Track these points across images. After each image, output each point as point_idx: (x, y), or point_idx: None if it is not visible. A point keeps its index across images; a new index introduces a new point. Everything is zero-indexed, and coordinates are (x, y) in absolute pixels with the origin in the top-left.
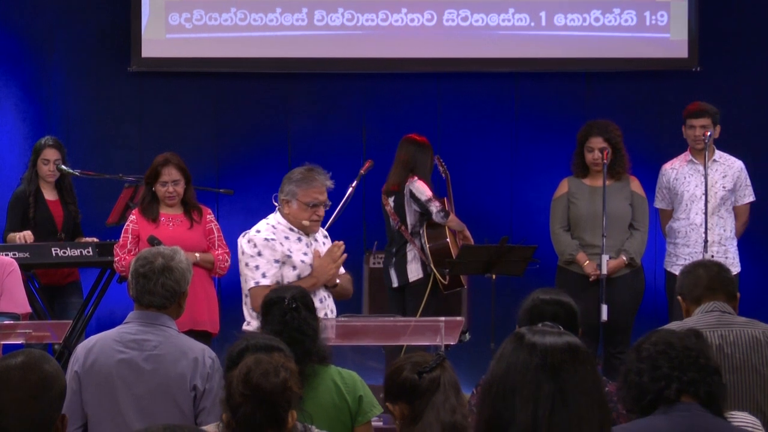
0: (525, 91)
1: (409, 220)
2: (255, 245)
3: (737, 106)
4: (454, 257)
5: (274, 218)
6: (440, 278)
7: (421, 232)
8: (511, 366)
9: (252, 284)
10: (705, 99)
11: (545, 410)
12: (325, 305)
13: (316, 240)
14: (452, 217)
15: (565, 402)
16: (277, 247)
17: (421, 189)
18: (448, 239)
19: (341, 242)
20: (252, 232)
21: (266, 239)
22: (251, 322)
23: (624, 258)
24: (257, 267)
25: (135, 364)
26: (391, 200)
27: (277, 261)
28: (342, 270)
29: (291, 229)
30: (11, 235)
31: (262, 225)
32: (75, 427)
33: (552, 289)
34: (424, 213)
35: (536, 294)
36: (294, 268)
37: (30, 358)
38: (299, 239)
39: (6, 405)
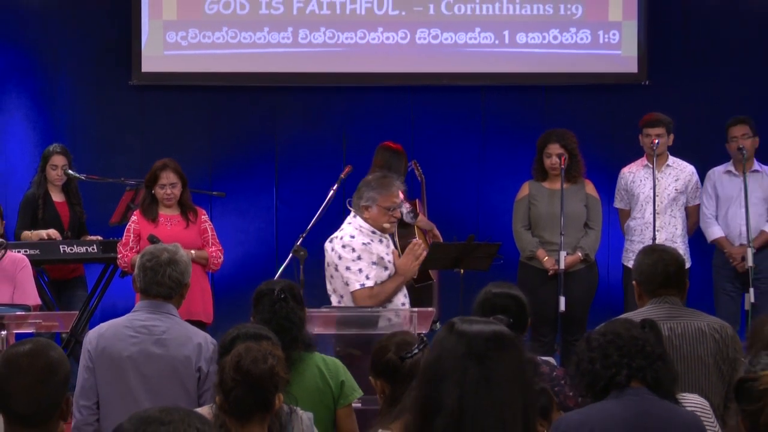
0: (490, 103)
1: None
2: (353, 249)
3: (684, 116)
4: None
5: (357, 223)
6: None
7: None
8: (441, 353)
9: (357, 287)
10: (653, 110)
11: (470, 395)
12: (407, 302)
13: (388, 238)
14: (421, 217)
15: (489, 387)
16: (373, 250)
17: None
18: (417, 237)
19: (420, 240)
20: (345, 237)
21: (364, 243)
22: None
23: (579, 254)
24: (360, 270)
25: (145, 347)
26: None
27: (374, 263)
28: None
29: (373, 232)
30: (25, 233)
31: (350, 230)
32: (92, 402)
33: (504, 283)
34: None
35: (488, 288)
36: (386, 268)
37: (37, 346)
38: (381, 241)
39: (15, 389)
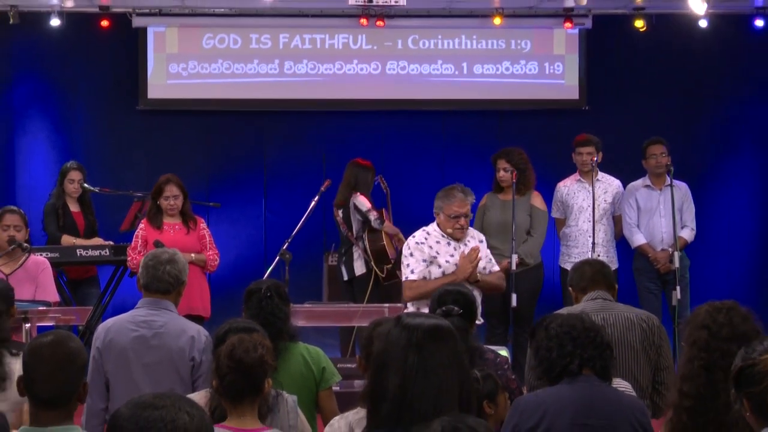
0: (451, 126)
1: (354, 227)
2: (408, 247)
3: (617, 136)
4: (389, 256)
5: (432, 226)
6: (379, 272)
7: (363, 236)
8: (387, 344)
9: (403, 278)
10: (592, 132)
11: (410, 381)
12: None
13: (466, 244)
14: (387, 223)
15: (426, 374)
16: (425, 249)
17: (362, 202)
18: (384, 242)
19: (477, 247)
20: (410, 238)
21: (417, 243)
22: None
23: (516, 258)
24: (408, 265)
25: (145, 339)
26: (340, 212)
27: (424, 260)
28: (495, 268)
29: (442, 236)
30: (65, 237)
31: (419, 231)
32: (101, 387)
33: (455, 282)
34: (365, 221)
35: (444, 286)
36: (439, 266)
37: (58, 337)
38: (448, 243)
39: (38, 375)
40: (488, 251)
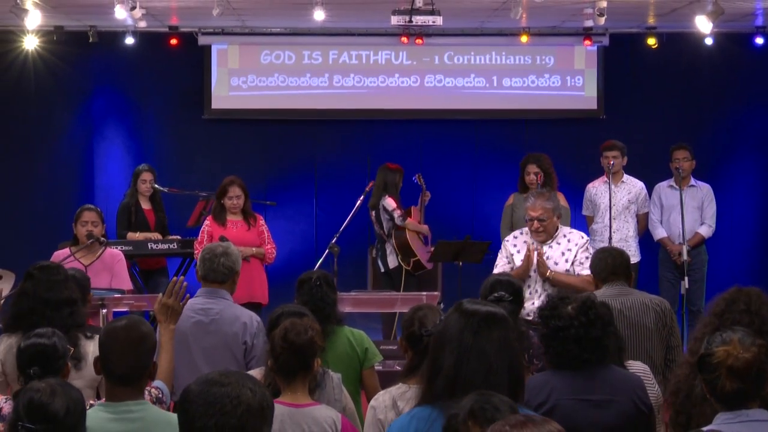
0: (482, 133)
1: (385, 226)
2: (502, 245)
3: (630, 143)
4: (413, 249)
5: (525, 228)
6: (405, 265)
7: (392, 233)
8: (447, 325)
9: (493, 272)
10: (609, 139)
11: (464, 361)
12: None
13: (558, 243)
14: (410, 220)
15: (479, 354)
16: (508, 248)
17: (389, 203)
18: (407, 237)
19: (531, 246)
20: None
21: (506, 240)
22: None
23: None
24: (497, 260)
25: (203, 325)
26: (373, 213)
27: (506, 257)
28: (586, 272)
29: (529, 236)
30: (130, 234)
31: (517, 230)
32: None
33: (504, 273)
34: (392, 219)
35: (494, 276)
36: (509, 262)
37: (131, 321)
38: (533, 243)
39: (113, 354)
40: (586, 255)
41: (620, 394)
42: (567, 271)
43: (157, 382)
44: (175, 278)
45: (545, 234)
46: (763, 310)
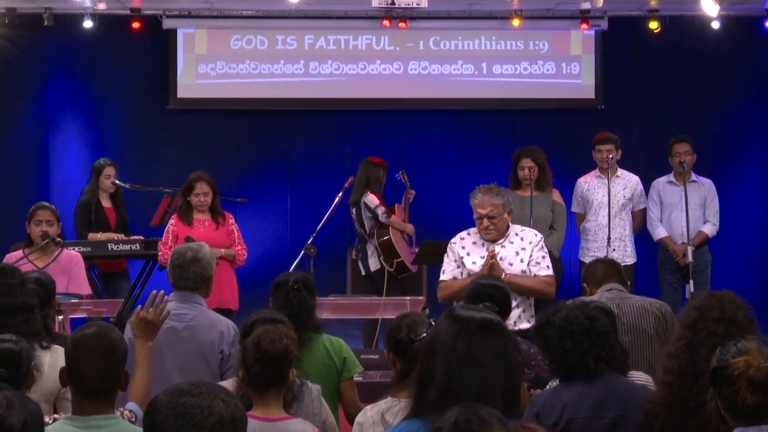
0: (470, 124)
1: (366, 224)
2: (448, 248)
3: (632, 134)
4: (397, 249)
5: (474, 228)
6: (387, 267)
7: (374, 233)
8: (438, 332)
9: (440, 278)
10: (607, 130)
11: (457, 370)
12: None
13: (511, 243)
14: (394, 218)
15: (472, 363)
16: (457, 250)
17: (372, 199)
18: (390, 236)
19: (493, 249)
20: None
21: (452, 243)
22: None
23: None
24: (443, 265)
25: (176, 332)
26: (353, 210)
27: (455, 261)
28: (543, 272)
29: (479, 236)
30: (91, 234)
31: (463, 232)
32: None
33: (490, 276)
34: (375, 217)
35: (478, 279)
36: (458, 266)
37: (100, 328)
38: (482, 245)
39: (82, 365)
40: (542, 254)
41: (633, 410)
42: (523, 272)
43: (130, 405)
44: (155, 291)
45: (496, 233)
46: (739, 315)
